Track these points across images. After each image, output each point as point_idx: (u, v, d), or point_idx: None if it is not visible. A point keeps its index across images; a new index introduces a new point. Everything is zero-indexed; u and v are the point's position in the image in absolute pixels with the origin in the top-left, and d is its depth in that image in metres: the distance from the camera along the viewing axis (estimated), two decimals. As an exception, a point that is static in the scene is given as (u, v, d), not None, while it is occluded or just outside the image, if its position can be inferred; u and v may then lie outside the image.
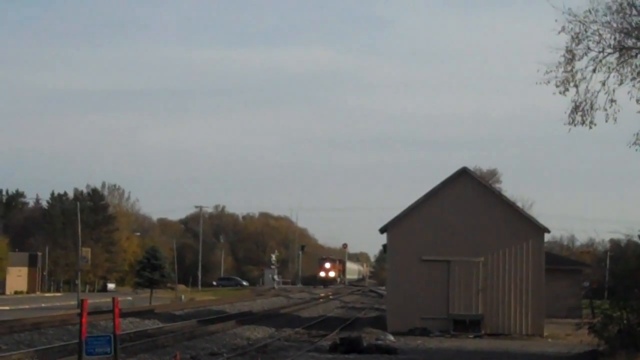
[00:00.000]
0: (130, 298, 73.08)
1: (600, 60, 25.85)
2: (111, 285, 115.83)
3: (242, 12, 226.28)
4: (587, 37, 25.76)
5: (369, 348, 30.32)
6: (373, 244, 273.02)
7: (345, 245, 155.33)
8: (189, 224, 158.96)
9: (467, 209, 40.05)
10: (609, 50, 25.89)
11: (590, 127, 26.11)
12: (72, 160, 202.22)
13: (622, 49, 25.85)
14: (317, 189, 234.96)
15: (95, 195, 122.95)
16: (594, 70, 25.87)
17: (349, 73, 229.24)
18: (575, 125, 26.09)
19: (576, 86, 25.87)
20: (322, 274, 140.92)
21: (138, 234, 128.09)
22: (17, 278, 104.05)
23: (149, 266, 70.26)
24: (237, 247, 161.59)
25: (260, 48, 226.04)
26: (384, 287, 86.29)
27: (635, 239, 32.17)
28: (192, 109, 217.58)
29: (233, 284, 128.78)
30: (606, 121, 25.87)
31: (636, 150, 25.56)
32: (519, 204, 55.47)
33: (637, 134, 25.53)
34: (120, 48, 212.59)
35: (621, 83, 25.75)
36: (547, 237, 41.70)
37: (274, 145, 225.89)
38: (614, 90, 25.68)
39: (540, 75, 25.83)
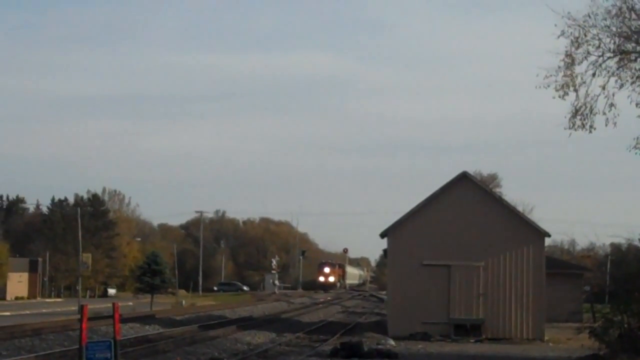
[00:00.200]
0: (131, 303, 73.02)
1: (600, 65, 25.82)
2: (112, 291, 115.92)
3: (241, 17, 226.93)
4: (586, 41, 25.71)
5: (370, 353, 30.29)
6: (374, 248, 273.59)
7: (345, 250, 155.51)
8: (190, 229, 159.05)
9: (467, 214, 40.03)
10: (609, 55, 25.84)
11: (590, 132, 26.04)
12: (72, 165, 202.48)
13: (621, 53, 25.81)
14: (318, 194, 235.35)
15: (95, 201, 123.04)
16: (593, 75, 25.83)
17: (349, 78, 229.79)
18: (575, 129, 26.03)
19: (576, 90, 25.83)
20: (322, 278, 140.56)
21: (139, 239, 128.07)
22: (18, 284, 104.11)
23: (150, 271, 70.18)
24: (238, 252, 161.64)
25: (260, 53, 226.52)
26: (384, 292, 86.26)
27: (636, 243, 32.18)
28: (192, 114, 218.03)
29: (234, 289, 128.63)
30: (606, 125, 25.81)
31: (636, 154, 25.52)
32: (520, 208, 55.42)
33: (637, 138, 25.45)
34: (121, 54, 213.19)
35: (621, 87, 25.71)
36: (547, 241, 41.79)
37: (274, 150, 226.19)
38: (613, 95, 25.64)
39: (540, 79, 25.77)
